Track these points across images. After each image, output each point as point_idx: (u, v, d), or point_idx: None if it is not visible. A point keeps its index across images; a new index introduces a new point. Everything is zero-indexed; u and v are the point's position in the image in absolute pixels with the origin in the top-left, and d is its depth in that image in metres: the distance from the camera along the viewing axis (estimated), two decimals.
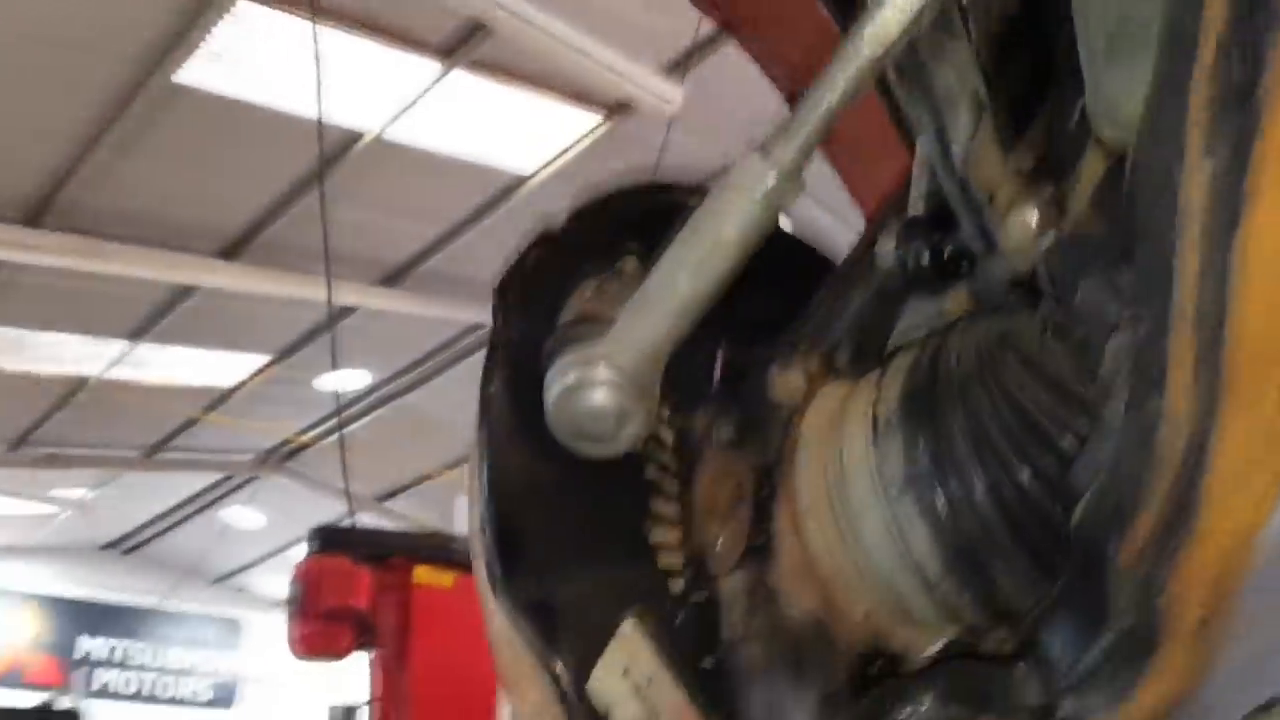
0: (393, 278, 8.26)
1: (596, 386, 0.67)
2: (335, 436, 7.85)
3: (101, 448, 10.37)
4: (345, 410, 8.46)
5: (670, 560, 0.80)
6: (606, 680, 0.67)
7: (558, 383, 0.68)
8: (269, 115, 6.65)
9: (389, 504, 11.02)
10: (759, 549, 0.77)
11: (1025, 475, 0.67)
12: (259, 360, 9.18)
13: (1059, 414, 0.68)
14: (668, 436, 0.82)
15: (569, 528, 0.71)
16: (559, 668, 0.66)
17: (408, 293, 8.22)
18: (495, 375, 0.72)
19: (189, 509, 11.50)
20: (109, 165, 7.00)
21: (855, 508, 0.74)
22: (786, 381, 0.81)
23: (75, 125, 6.68)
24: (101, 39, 5.98)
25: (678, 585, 0.79)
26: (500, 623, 0.68)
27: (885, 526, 0.73)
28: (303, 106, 6.24)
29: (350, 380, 9.19)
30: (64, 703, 6.82)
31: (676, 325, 0.66)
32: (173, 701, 11.69)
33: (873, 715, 0.74)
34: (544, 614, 0.67)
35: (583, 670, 0.66)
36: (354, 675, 5.02)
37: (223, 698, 11.79)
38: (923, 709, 0.72)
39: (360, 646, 4.63)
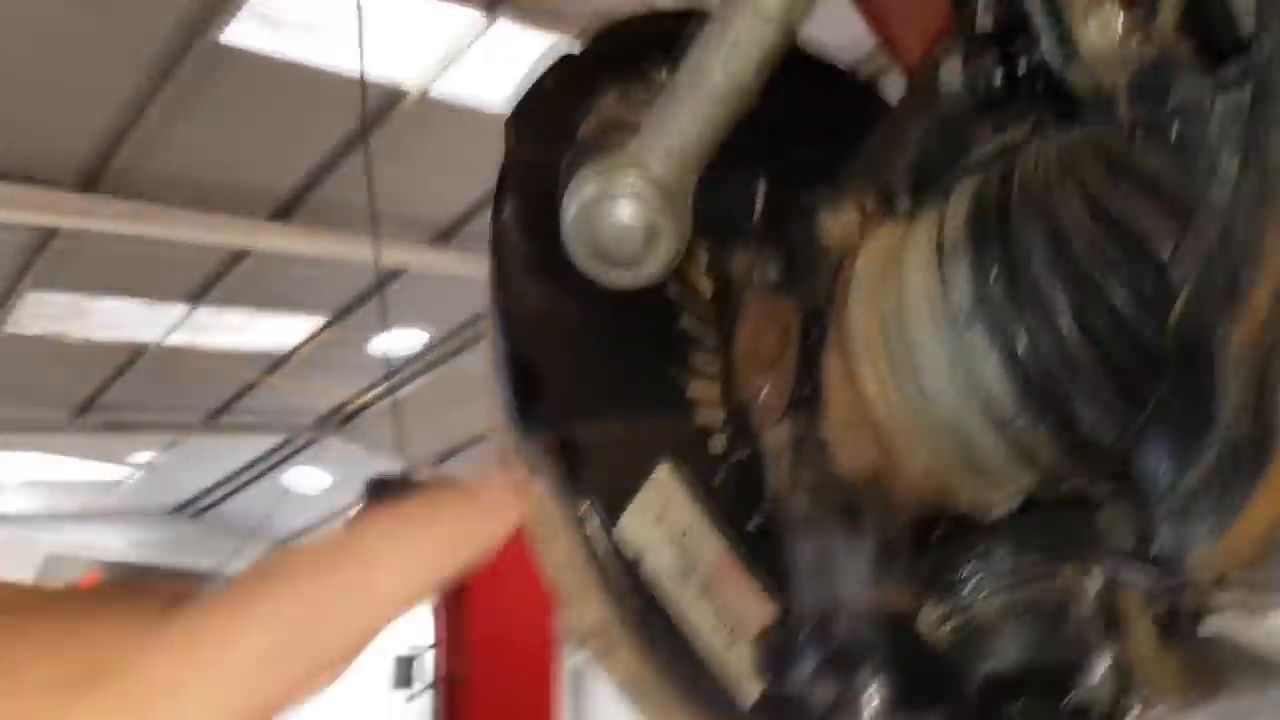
0: (443, 236, 8.24)
1: (621, 198, 0.60)
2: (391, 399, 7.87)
3: (164, 413, 10.52)
4: (400, 372, 8.48)
5: (709, 417, 0.72)
6: (638, 525, 0.60)
7: (576, 196, 0.60)
8: (314, 74, 6.63)
9: (448, 465, 11.09)
10: (806, 400, 0.69)
11: (1114, 290, 0.58)
12: (315, 323, 9.22)
13: (1153, 220, 0.59)
14: (705, 285, 0.74)
15: (594, 371, 0.64)
16: (585, 508, 0.59)
17: (458, 252, 8.20)
18: (506, 202, 0.64)
19: (251, 473, 11.66)
20: (159, 129, 7.02)
21: (915, 345, 0.66)
22: (839, 223, 0.73)
23: (124, 90, 6.71)
24: (146, 1, 5.98)
25: (718, 444, 0.72)
26: (522, 465, 0.61)
27: (950, 362, 0.65)
28: (348, 64, 6.20)
29: (405, 341, 9.21)
30: None
31: (713, 122, 0.58)
32: None
33: (935, 571, 0.66)
34: (567, 452, 0.60)
35: (612, 514, 0.59)
36: (418, 624, 5.04)
37: None
38: (993, 563, 0.64)
39: None
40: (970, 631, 0.65)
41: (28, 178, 7.29)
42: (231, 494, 11.97)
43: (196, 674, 0.33)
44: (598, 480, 0.60)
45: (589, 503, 0.59)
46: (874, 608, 0.60)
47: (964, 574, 0.66)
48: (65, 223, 7.54)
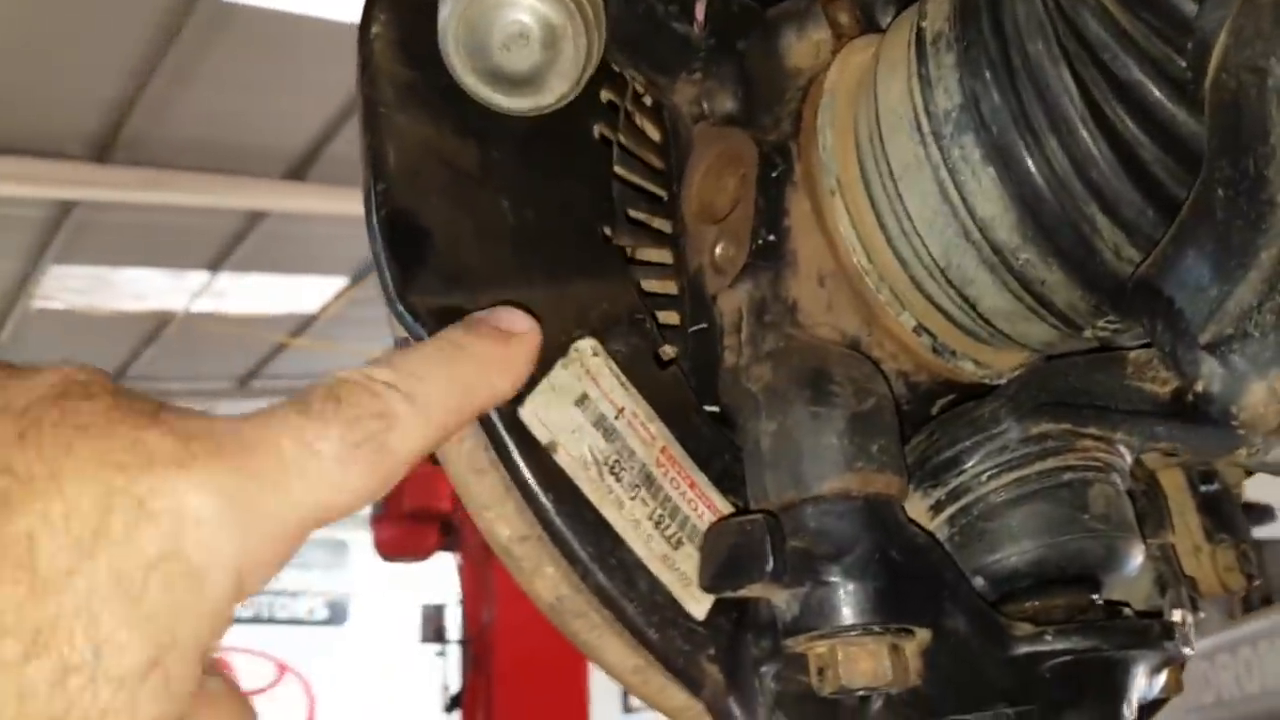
0: None
1: None
2: None
3: (195, 381, 10.53)
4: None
5: (656, 283, 0.60)
6: (551, 407, 0.49)
7: None
8: (321, 26, 6.48)
9: None
10: (768, 251, 0.57)
11: (1134, 69, 0.45)
12: (338, 283, 9.15)
13: None
14: (645, 123, 0.62)
15: (496, 230, 0.52)
16: None
17: None
18: (376, 14, 0.52)
19: None
20: (168, 94, 6.92)
21: (896, 170, 0.53)
22: (806, 41, 0.60)
23: (131, 56, 6.60)
24: None
25: (670, 314, 0.60)
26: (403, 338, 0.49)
27: (937, 187, 0.52)
28: (355, 14, 6.04)
29: None
30: None
31: None
32: (291, 621, 12.05)
33: (928, 450, 0.54)
34: (452, 322, 0.48)
35: (515, 397, 0.48)
36: (445, 579, 4.99)
37: (337, 614, 12.11)
38: (999, 436, 0.52)
39: (444, 547, 4.60)
40: (973, 520, 0.53)
41: (40, 152, 7.24)
42: None
43: (303, 459, 0.38)
44: None
45: None
46: (849, 495, 0.48)
47: (963, 451, 0.53)
48: (81, 195, 7.49)
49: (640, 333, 0.54)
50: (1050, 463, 0.53)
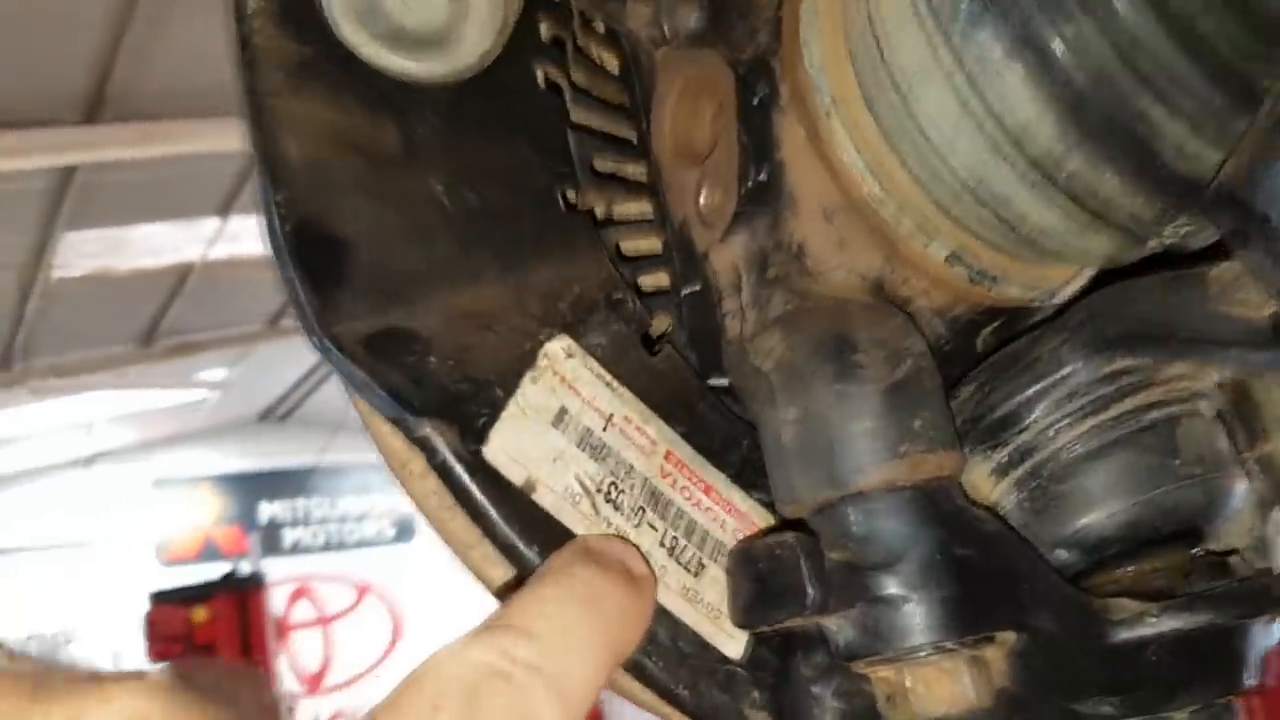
0: None
1: None
2: None
3: (226, 327, 10.55)
4: None
5: (636, 244, 0.51)
6: (520, 436, 0.40)
7: None
8: None
9: None
10: (762, 191, 0.48)
11: None
12: None
13: None
14: (597, 52, 0.52)
15: (434, 218, 0.43)
16: (428, 431, 0.39)
17: None
18: None
19: (323, 369, 11.73)
20: (147, 43, 6.71)
21: (902, 79, 0.44)
22: None
23: (104, 10, 6.42)
24: None
25: (657, 277, 0.51)
26: (340, 374, 0.41)
27: (954, 94, 0.42)
28: None
29: None
30: (244, 569, 7.11)
31: None
32: (360, 544, 12.28)
33: (980, 406, 0.46)
34: (394, 347, 0.40)
35: (474, 431, 0.39)
36: None
37: (404, 532, 12.32)
38: (1064, 378, 0.43)
39: None
40: (1045, 483, 0.45)
41: (32, 121, 7.12)
42: (310, 392, 12.08)
43: None
44: (446, 384, 0.40)
45: (431, 422, 0.39)
46: (896, 487, 0.40)
47: (1025, 402, 0.45)
48: (79, 158, 7.38)
49: (622, 314, 0.46)
50: (1129, 403, 0.44)
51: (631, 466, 0.42)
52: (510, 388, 0.41)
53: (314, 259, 0.40)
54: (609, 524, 0.41)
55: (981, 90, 0.41)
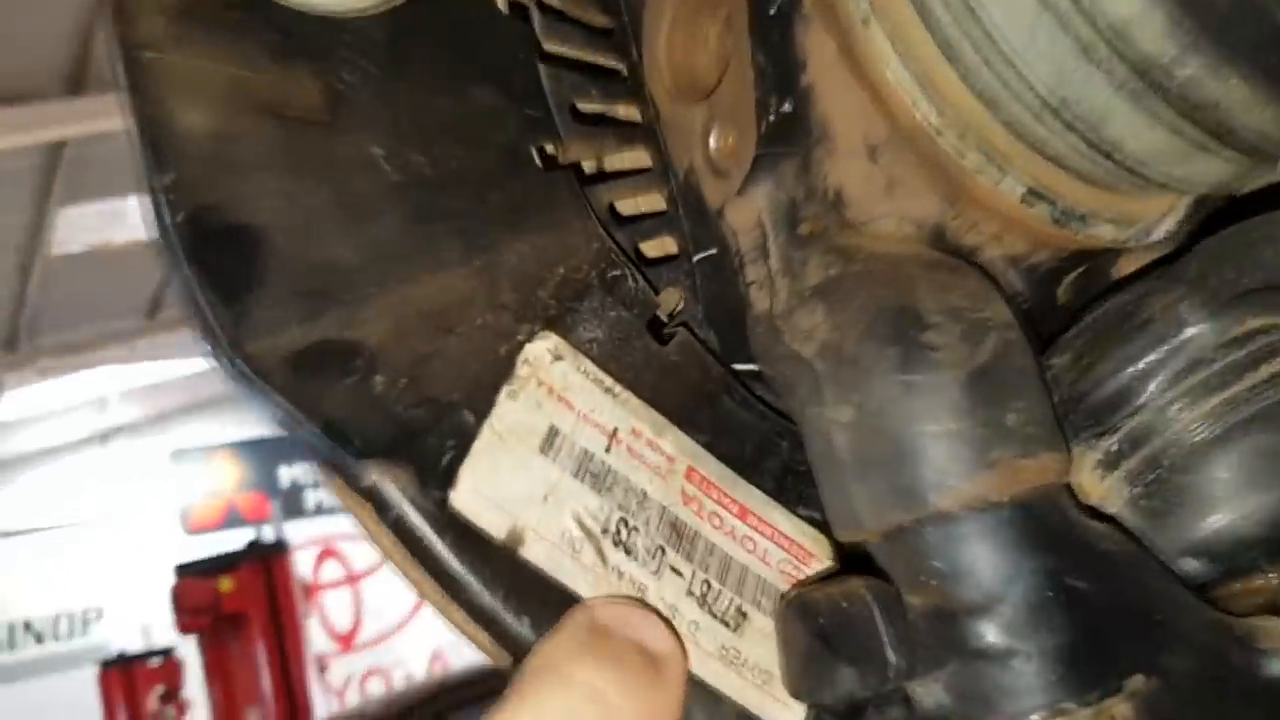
0: None
1: None
2: None
3: None
4: None
5: (636, 199, 0.42)
6: (498, 474, 0.31)
7: None
8: None
9: None
10: (786, 127, 0.38)
11: None
12: None
13: None
14: None
15: (374, 191, 0.34)
16: (377, 478, 0.30)
17: None
18: None
19: None
20: None
21: None
22: None
23: None
24: None
25: (664, 242, 0.42)
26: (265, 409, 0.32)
27: None
28: None
29: None
30: (268, 535, 7.09)
31: None
32: None
33: (1082, 384, 0.36)
34: (329, 366, 0.30)
35: (435, 473, 0.30)
36: None
37: None
38: (1188, 342, 0.34)
39: None
40: (1167, 475, 0.35)
41: (15, 97, 7.00)
42: None
43: None
44: (397, 411, 0.30)
45: (380, 464, 0.30)
46: (989, 504, 0.31)
47: (1139, 376, 0.35)
48: (67, 132, 7.25)
49: (621, 296, 0.36)
50: (1264, 371, 0.35)
51: (645, 495, 0.33)
52: (483, 408, 0.31)
53: (217, 257, 0.31)
54: (620, 575, 0.32)
55: None
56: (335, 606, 10.24)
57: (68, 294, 9.08)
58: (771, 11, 0.38)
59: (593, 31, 0.42)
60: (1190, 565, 0.36)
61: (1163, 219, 0.41)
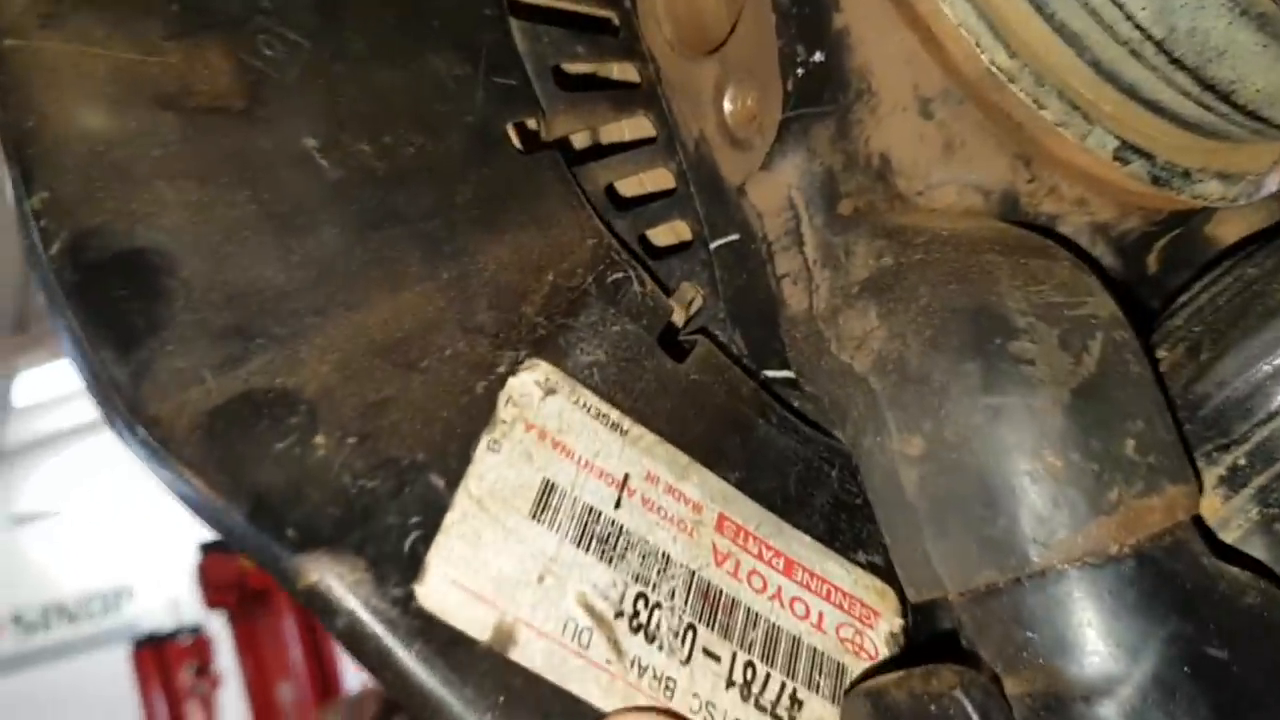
0: None
1: None
2: None
3: None
4: None
5: (640, 177, 0.35)
6: (479, 552, 0.25)
7: None
8: None
9: None
10: (818, 82, 0.31)
11: None
12: None
13: None
14: None
15: (307, 196, 0.27)
16: (318, 577, 0.23)
17: None
18: None
19: None
20: None
21: None
22: None
23: None
24: None
25: (676, 228, 0.35)
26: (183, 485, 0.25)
27: None
28: None
29: None
30: None
31: None
32: None
33: (1199, 385, 0.29)
34: (257, 427, 0.24)
35: (399, 555, 0.24)
36: None
37: None
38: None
39: None
40: None
41: None
42: None
43: None
44: (345, 483, 0.24)
45: (324, 557, 0.23)
46: (1107, 557, 0.24)
47: (1270, 376, 0.29)
48: None
49: (625, 305, 0.29)
50: None
51: (668, 558, 0.26)
52: (456, 468, 0.25)
53: (105, 294, 0.24)
54: (641, 669, 0.25)
55: None
56: None
57: None
58: None
59: (582, 26, 0.35)
60: None
61: (1271, 172, 0.34)
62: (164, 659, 5.65)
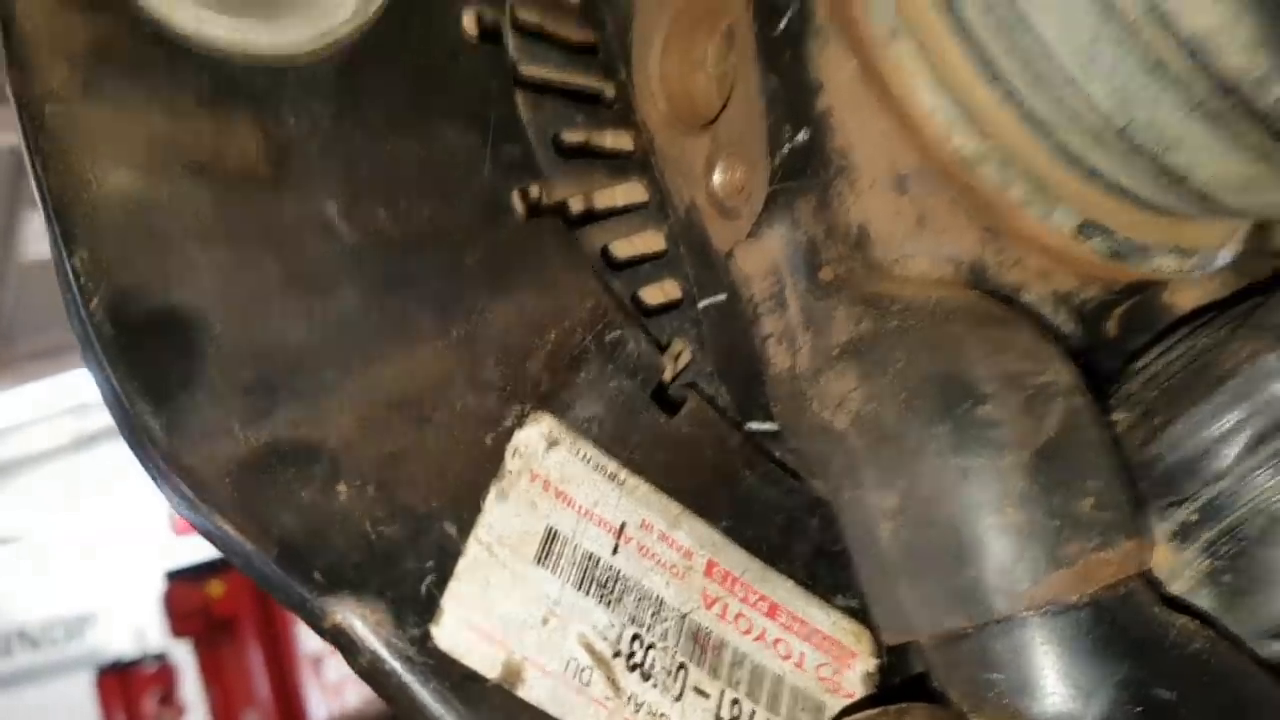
0: None
1: None
2: None
3: None
4: None
5: (632, 240, 0.37)
6: (488, 595, 0.27)
7: None
8: None
9: None
10: (801, 159, 0.33)
11: None
12: None
13: None
14: None
15: (328, 258, 0.29)
16: (342, 617, 0.25)
17: None
18: None
19: None
20: None
21: None
22: None
23: None
24: None
25: (666, 288, 0.37)
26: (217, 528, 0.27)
27: None
28: None
29: None
30: None
31: None
32: None
33: (1153, 446, 0.32)
34: (283, 476, 0.26)
35: (416, 599, 0.26)
36: None
37: None
38: (1267, 400, 0.30)
39: None
40: (1249, 549, 0.31)
41: None
42: None
43: None
44: (365, 530, 0.26)
45: (347, 601, 0.25)
46: (1063, 606, 0.26)
47: (1217, 438, 0.31)
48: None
49: (622, 363, 0.32)
50: None
51: (661, 601, 0.29)
52: (467, 516, 0.27)
53: (142, 350, 0.26)
54: (638, 706, 0.27)
55: None
56: None
57: (40, 298, 9.00)
58: (781, 26, 0.33)
59: (574, 49, 0.37)
60: (1274, 648, 0.31)
61: (1223, 247, 0.37)
62: (128, 687, 5.57)
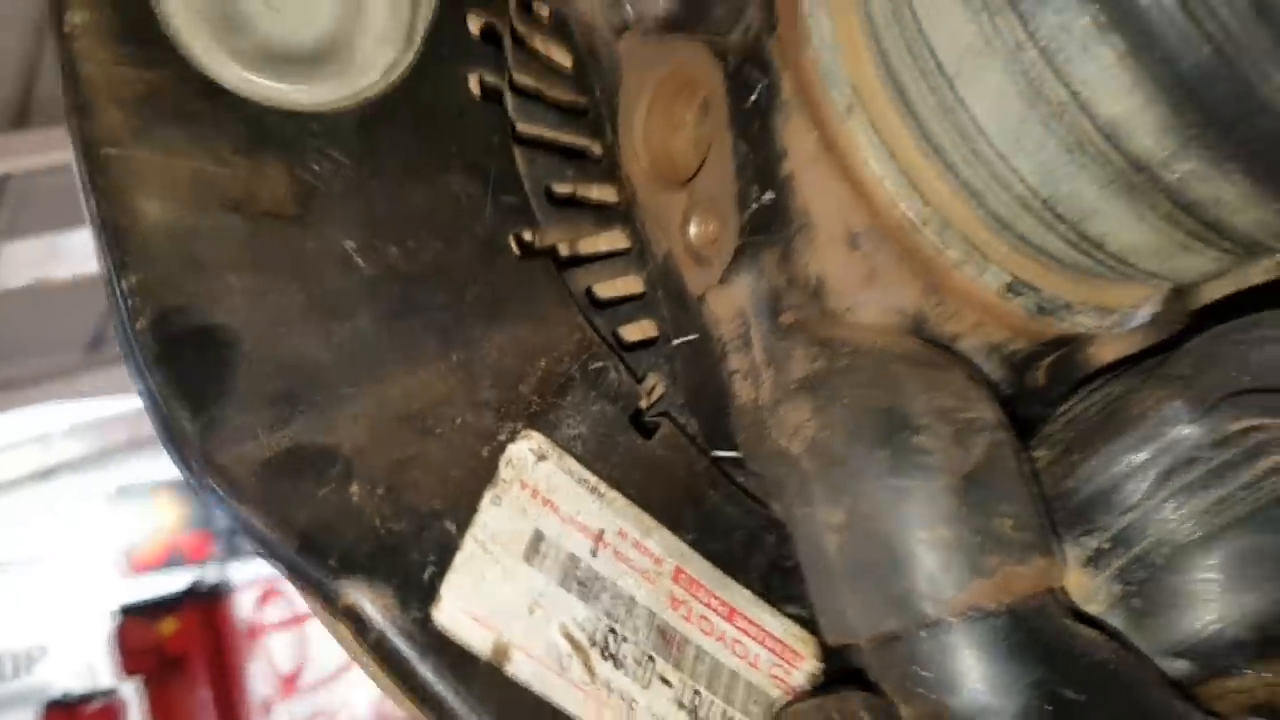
0: None
1: None
2: None
3: None
4: None
5: (614, 283, 0.41)
6: (482, 586, 0.30)
7: None
8: None
9: None
10: (767, 216, 0.37)
11: None
12: None
13: None
14: (544, 45, 0.41)
15: (346, 286, 0.33)
16: (355, 598, 0.29)
17: None
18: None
19: None
20: None
21: (948, 60, 0.33)
22: None
23: (26, 13, 6.17)
24: None
25: (643, 327, 0.41)
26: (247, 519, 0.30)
27: (1024, 79, 0.32)
28: None
29: None
30: (210, 577, 6.94)
31: None
32: None
33: (1070, 480, 0.36)
34: (303, 474, 0.29)
35: (419, 585, 0.29)
36: None
37: None
38: (1179, 441, 0.34)
39: None
40: (1156, 574, 0.35)
41: None
42: None
43: None
44: (376, 524, 0.29)
45: (359, 583, 0.29)
46: (983, 612, 0.30)
47: (1125, 474, 0.35)
48: (11, 166, 7.15)
49: (604, 390, 0.35)
50: (1255, 470, 0.34)
51: (633, 600, 0.32)
52: (465, 517, 0.30)
53: (184, 362, 0.30)
54: (609, 689, 0.30)
55: (1060, 72, 0.31)
56: (279, 648, 10.04)
57: (7, 329, 8.92)
58: (751, 99, 0.37)
59: (566, 111, 0.41)
60: (1178, 667, 0.35)
61: (1141, 306, 0.41)
62: None
